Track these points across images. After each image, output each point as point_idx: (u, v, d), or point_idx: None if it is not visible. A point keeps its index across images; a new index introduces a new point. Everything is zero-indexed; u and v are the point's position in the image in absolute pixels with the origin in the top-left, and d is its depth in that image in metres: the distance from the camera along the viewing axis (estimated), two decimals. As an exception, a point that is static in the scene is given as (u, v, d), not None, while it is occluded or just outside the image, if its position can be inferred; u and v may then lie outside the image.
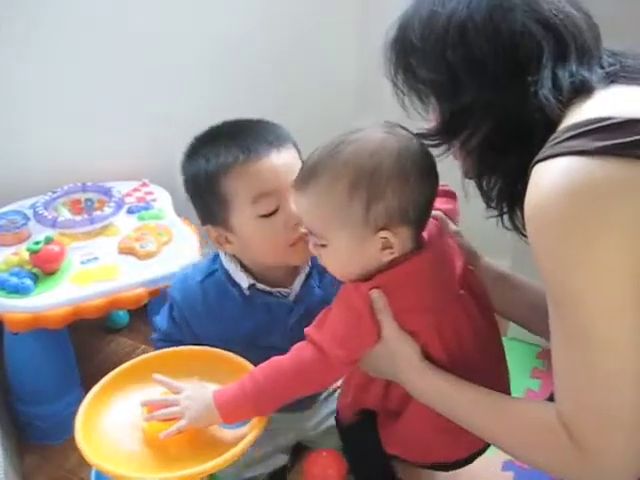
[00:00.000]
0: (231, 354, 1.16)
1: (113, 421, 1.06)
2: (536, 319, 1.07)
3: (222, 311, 1.20)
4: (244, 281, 1.19)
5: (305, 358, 0.97)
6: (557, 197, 0.75)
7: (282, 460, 1.32)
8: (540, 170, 0.79)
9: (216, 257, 1.24)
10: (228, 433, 1.04)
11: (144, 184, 1.88)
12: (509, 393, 1.06)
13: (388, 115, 0.96)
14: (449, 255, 1.03)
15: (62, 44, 1.74)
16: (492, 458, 1.45)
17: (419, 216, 0.95)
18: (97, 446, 1.00)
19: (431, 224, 1.01)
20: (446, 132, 0.93)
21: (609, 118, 0.76)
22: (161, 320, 1.29)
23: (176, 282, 1.27)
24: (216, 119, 1.90)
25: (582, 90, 0.83)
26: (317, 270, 1.23)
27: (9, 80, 1.74)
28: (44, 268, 1.51)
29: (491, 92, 0.85)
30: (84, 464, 1.46)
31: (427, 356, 0.97)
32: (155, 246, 1.61)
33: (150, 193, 1.85)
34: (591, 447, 0.79)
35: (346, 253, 0.96)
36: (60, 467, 1.52)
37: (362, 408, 1.12)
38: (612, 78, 0.85)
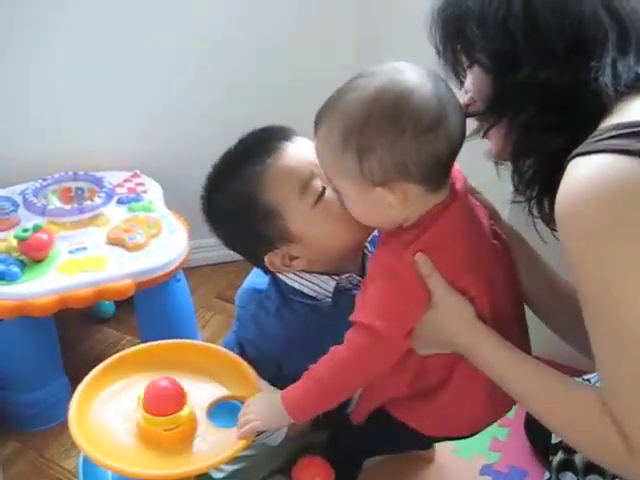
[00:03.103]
0: (220, 347, 1.17)
1: (106, 413, 1.07)
2: (547, 300, 1.08)
3: (309, 333, 1.10)
4: (329, 283, 1.12)
5: (358, 342, 0.95)
6: (594, 194, 0.74)
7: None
8: (578, 164, 0.78)
9: (276, 284, 1.16)
10: (221, 432, 1.05)
11: (135, 175, 1.87)
12: (531, 351, 1.05)
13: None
14: (477, 206, 1.01)
15: (55, 31, 1.73)
16: (470, 462, 1.47)
17: (427, 174, 0.90)
18: (93, 439, 1.01)
19: (455, 172, 0.97)
20: (497, 106, 0.90)
21: None
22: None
23: (244, 321, 1.19)
24: (210, 111, 1.93)
25: (634, 87, 0.82)
26: (371, 243, 1.17)
27: (2, 68, 1.73)
28: (32, 256, 1.51)
29: (550, 68, 0.83)
30: (66, 452, 1.50)
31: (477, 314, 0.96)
32: (144, 238, 1.61)
33: (141, 184, 1.84)
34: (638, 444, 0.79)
35: (358, 203, 0.95)
36: (41, 455, 1.52)
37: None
38: None
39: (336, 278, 1.12)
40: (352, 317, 0.96)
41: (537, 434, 1.42)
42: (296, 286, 1.14)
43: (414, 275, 0.92)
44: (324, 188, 1.05)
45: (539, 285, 1.08)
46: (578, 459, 1.16)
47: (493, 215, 1.06)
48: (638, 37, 0.85)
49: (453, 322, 0.95)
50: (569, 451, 1.17)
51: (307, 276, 1.13)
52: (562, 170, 0.80)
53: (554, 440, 1.21)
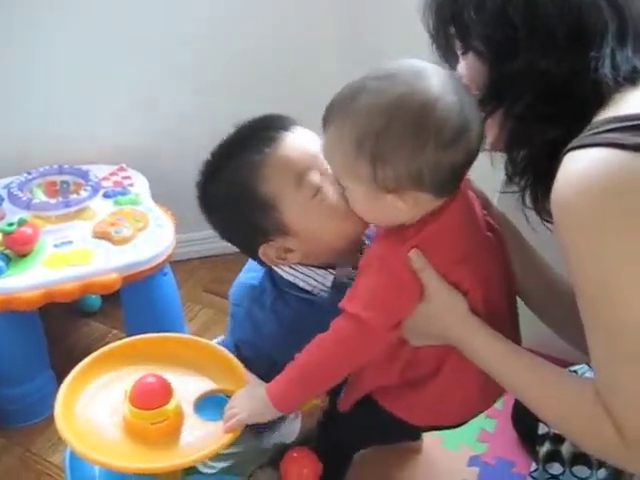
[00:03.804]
0: (207, 341, 1.17)
1: (92, 407, 1.06)
2: (540, 292, 1.07)
3: (304, 327, 1.03)
4: (327, 277, 1.11)
5: (344, 330, 0.95)
6: (590, 188, 0.74)
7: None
8: (574, 158, 0.78)
9: (271, 277, 1.14)
10: (208, 425, 1.04)
11: (122, 168, 1.86)
12: (521, 343, 1.05)
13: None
14: (472, 198, 1.01)
15: (40, 25, 1.71)
16: (458, 454, 1.48)
17: (441, 184, 0.89)
18: (79, 433, 1.00)
19: None
20: (493, 95, 0.89)
21: None
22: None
23: (239, 320, 1.19)
24: (198, 103, 1.91)
25: (630, 79, 0.82)
26: (368, 237, 1.14)
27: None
28: (17, 250, 1.49)
29: (550, 57, 0.82)
30: (52, 447, 1.49)
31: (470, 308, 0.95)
32: (130, 232, 1.60)
33: (127, 178, 1.83)
34: (632, 436, 0.79)
35: (364, 204, 0.94)
36: (27, 450, 1.51)
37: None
38: None
39: (334, 272, 1.11)
40: (341, 304, 0.96)
41: (524, 425, 1.43)
42: (291, 279, 1.12)
43: (408, 270, 0.92)
44: (320, 186, 1.04)
45: (532, 277, 1.08)
46: (565, 450, 1.16)
47: (486, 204, 1.06)
48: (635, 28, 0.85)
49: (446, 316, 0.96)
50: (556, 442, 1.17)
51: (303, 269, 1.11)
52: (556, 161, 0.80)
53: (541, 431, 1.22)
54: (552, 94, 0.84)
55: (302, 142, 1.06)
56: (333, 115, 0.90)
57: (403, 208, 0.90)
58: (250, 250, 1.11)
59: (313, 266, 1.11)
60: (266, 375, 1.06)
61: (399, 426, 1.10)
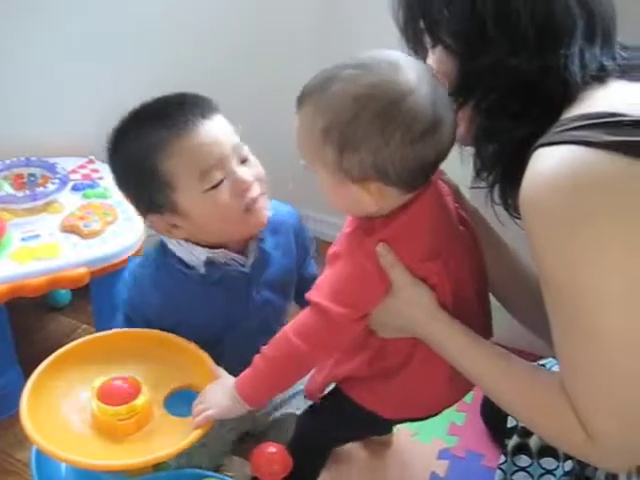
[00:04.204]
0: (176, 336, 1.16)
1: (59, 404, 1.05)
2: (508, 284, 1.09)
3: (182, 298, 1.17)
4: (202, 255, 1.15)
5: (308, 322, 0.95)
6: (559, 186, 0.74)
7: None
8: (542, 155, 0.78)
9: (163, 246, 1.19)
10: (177, 421, 1.04)
11: (90, 161, 1.83)
12: (492, 336, 1.07)
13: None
14: (444, 191, 1.00)
15: (9, 12, 1.68)
16: (429, 446, 1.49)
17: (407, 179, 0.89)
18: (45, 430, 0.99)
19: None
20: (462, 90, 0.88)
21: (622, 115, 0.75)
22: (117, 326, 1.24)
23: (126, 282, 1.23)
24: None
25: (598, 77, 0.83)
26: (269, 231, 1.21)
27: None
28: (-17, 243, 1.47)
29: (518, 54, 0.82)
30: (19, 443, 1.47)
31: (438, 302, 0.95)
32: (99, 225, 1.58)
33: (96, 171, 1.80)
34: (595, 431, 0.80)
35: (332, 192, 0.93)
36: (-6, 446, 1.50)
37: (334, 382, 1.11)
38: (623, 71, 0.84)
39: (210, 252, 1.15)
40: (307, 295, 0.96)
41: (493, 419, 1.45)
42: (175, 251, 1.17)
43: (375, 264, 0.92)
44: (221, 181, 1.08)
45: (501, 269, 1.09)
46: (533, 442, 1.18)
47: (457, 197, 1.05)
48: (604, 26, 0.85)
49: (413, 311, 0.96)
50: (524, 435, 1.18)
51: (185, 244, 1.15)
52: (524, 157, 0.80)
53: (509, 424, 1.23)
54: (521, 91, 0.84)
55: (215, 136, 1.09)
56: (305, 99, 0.90)
57: (367, 200, 0.90)
58: (141, 214, 1.17)
59: (195, 244, 1.15)
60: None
61: (368, 419, 1.10)
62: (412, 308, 0.95)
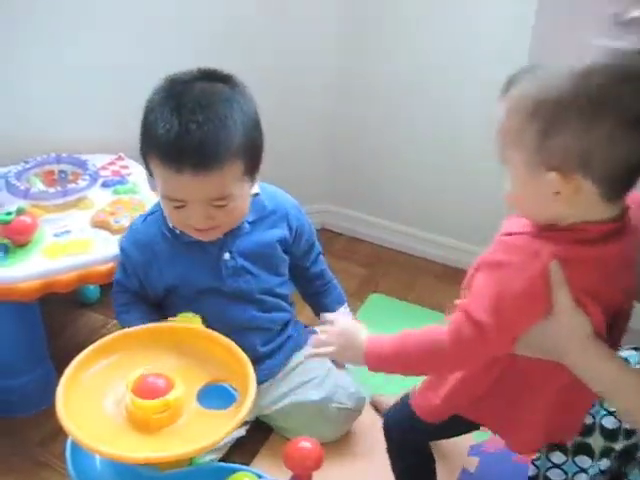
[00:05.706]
0: (211, 330, 1.16)
1: (93, 398, 1.06)
2: None
3: (159, 249, 1.33)
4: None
5: (462, 332, 0.90)
6: None
7: (239, 433, 1.38)
8: None
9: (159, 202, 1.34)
10: (211, 414, 1.04)
11: (120, 157, 1.84)
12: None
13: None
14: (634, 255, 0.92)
15: (35, 11, 1.69)
16: (459, 442, 1.48)
17: (609, 176, 0.83)
18: (80, 423, 1.00)
19: (635, 209, 0.90)
20: None
21: None
22: (117, 271, 1.41)
23: (127, 230, 1.41)
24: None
25: None
26: (255, 212, 1.35)
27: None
28: (15, 240, 1.48)
29: None
30: (52, 437, 1.48)
31: None
32: (129, 221, 1.58)
33: (125, 167, 1.81)
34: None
35: (522, 184, 0.89)
36: (28, 440, 1.51)
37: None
38: None
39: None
40: (462, 304, 0.92)
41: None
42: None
43: (546, 281, 0.87)
44: (183, 205, 1.23)
45: None
46: (568, 439, 1.16)
47: None
48: None
49: (570, 338, 0.91)
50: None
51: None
52: None
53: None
54: None
55: (192, 189, 1.20)
56: (519, 77, 0.87)
57: (563, 193, 0.84)
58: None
59: None
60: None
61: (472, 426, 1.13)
62: (570, 335, 0.90)
